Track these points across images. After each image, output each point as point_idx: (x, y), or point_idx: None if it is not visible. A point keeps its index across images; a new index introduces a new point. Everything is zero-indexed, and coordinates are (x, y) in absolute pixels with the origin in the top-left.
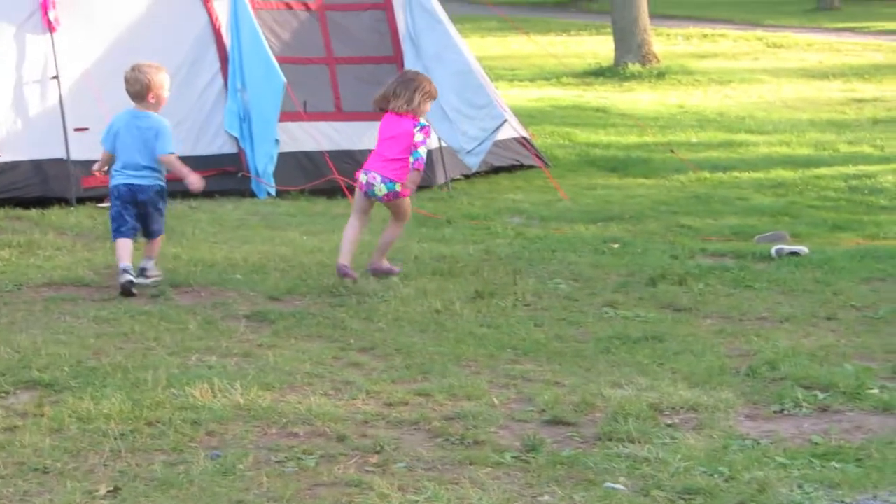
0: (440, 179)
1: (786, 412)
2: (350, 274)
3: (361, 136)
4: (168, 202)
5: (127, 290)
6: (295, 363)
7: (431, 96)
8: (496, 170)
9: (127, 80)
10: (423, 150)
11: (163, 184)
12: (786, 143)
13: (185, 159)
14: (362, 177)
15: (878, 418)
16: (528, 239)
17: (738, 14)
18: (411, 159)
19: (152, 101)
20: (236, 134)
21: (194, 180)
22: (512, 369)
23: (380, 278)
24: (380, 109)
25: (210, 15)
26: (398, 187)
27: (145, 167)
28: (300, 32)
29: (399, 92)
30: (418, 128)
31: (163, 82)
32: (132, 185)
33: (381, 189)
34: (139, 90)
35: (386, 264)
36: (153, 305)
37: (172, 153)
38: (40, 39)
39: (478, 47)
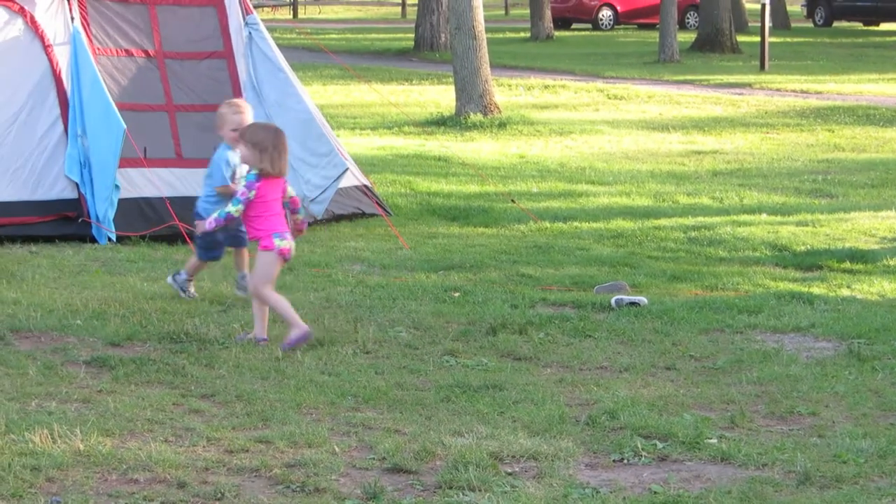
0: None
1: (625, 461)
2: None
3: (202, 182)
4: (7, 247)
5: None
6: (135, 409)
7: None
8: (337, 218)
9: None
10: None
11: None
12: (626, 193)
13: (25, 204)
14: (285, 243)
15: (717, 468)
16: (369, 287)
17: (578, 65)
18: (300, 217)
19: None
20: (76, 179)
21: None
22: (353, 417)
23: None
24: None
25: (50, 61)
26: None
27: None
28: (140, 79)
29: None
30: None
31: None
32: None
33: (293, 246)
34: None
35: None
36: None
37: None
38: None
39: (320, 95)
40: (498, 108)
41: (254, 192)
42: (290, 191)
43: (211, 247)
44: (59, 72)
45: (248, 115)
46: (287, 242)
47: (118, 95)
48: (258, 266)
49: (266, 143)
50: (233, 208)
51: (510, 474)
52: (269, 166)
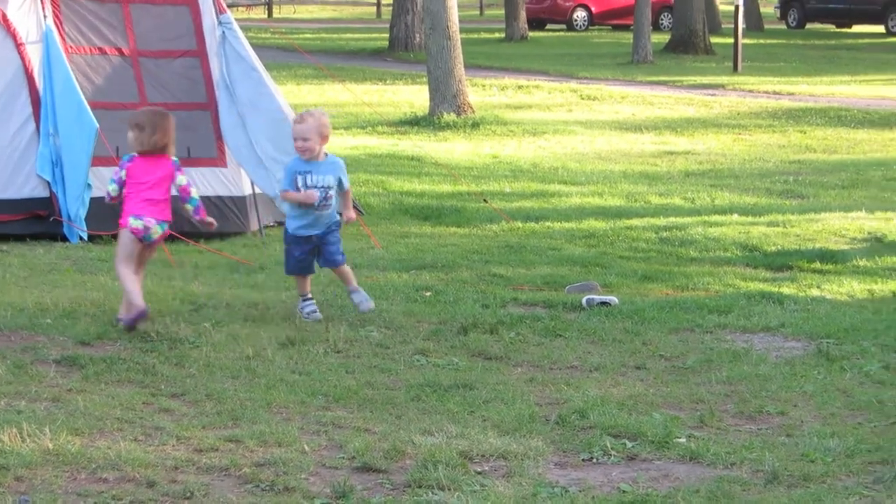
0: (253, 226)
1: (595, 460)
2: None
3: None
4: None
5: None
6: (105, 408)
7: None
8: None
9: None
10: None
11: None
12: (598, 194)
13: None
14: (138, 223)
15: (685, 467)
16: (340, 286)
17: (552, 66)
18: (191, 207)
19: None
20: (48, 178)
21: None
22: (323, 416)
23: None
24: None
25: (22, 59)
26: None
27: None
28: (113, 77)
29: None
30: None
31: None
32: None
33: (157, 231)
34: None
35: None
36: None
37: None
38: None
39: (293, 95)
40: (471, 108)
41: (124, 172)
42: (181, 179)
43: (292, 262)
44: (32, 70)
45: (307, 124)
46: (140, 223)
47: (91, 94)
48: (117, 242)
49: (143, 123)
50: (109, 188)
51: (479, 473)
52: (143, 143)
